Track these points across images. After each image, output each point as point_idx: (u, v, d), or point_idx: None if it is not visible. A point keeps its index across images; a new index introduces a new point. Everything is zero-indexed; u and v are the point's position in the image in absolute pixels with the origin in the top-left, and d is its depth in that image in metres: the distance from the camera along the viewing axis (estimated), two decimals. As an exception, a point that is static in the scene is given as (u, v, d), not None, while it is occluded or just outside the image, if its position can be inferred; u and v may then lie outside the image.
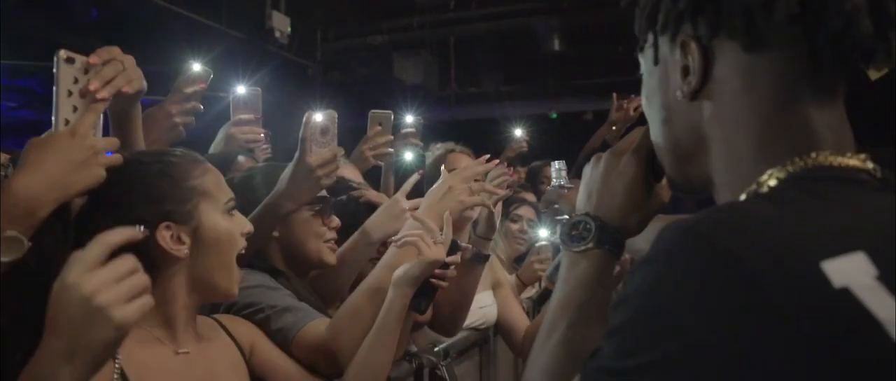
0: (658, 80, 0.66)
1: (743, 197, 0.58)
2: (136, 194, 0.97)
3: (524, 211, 2.70)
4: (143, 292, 0.73)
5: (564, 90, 6.49)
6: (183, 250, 0.98)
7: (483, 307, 2.03)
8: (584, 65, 6.09)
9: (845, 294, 0.46)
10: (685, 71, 0.62)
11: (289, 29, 5.34)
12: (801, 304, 0.46)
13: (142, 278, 0.73)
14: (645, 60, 0.68)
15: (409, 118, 2.24)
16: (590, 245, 0.70)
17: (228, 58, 4.16)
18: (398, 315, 1.24)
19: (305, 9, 5.69)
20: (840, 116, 0.60)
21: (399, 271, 1.26)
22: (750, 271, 0.47)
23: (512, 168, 1.97)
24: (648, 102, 0.69)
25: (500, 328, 2.10)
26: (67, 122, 0.91)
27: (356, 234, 1.47)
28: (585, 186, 0.75)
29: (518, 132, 3.63)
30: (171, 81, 1.47)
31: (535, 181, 3.56)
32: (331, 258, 1.41)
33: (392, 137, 2.00)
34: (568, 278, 0.71)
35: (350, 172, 1.76)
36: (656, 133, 0.68)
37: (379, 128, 1.97)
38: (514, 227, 2.68)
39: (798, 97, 0.58)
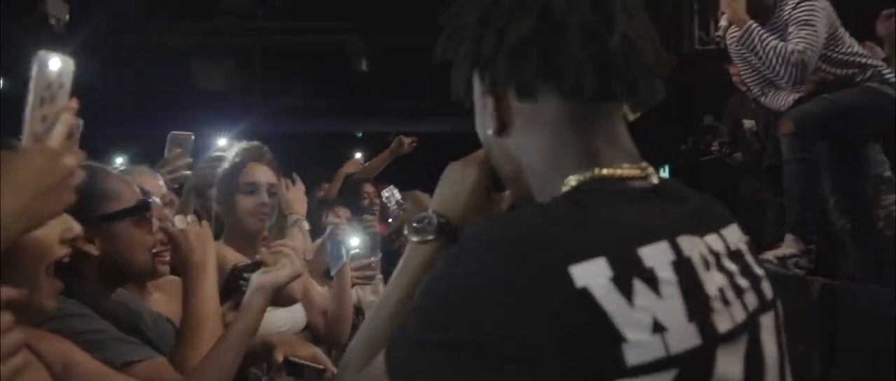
0: (478, 115, 0.76)
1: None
2: None
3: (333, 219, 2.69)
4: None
5: (370, 110, 6.58)
6: None
7: (292, 315, 1.99)
8: (391, 86, 6.24)
9: (584, 293, 0.56)
10: (491, 112, 0.73)
11: (67, 16, 4.77)
12: (550, 303, 0.56)
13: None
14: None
15: (222, 141, 2.18)
16: (429, 238, 0.78)
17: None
18: (255, 318, 1.20)
19: (92, -1, 5.15)
20: (615, 133, 0.71)
21: (265, 277, 1.23)
22: (519, 274, 0.58)
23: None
24: (477, 123, 0.78)
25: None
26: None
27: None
28: (438, 187, 0.84)
29: (357, 155, 3.72)
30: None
31: (354, 196, 3.56)
32: (165, 270, 1.28)
33: (191, 160, 1.92)
34: (406, 265, 0.79)
35: (150, 182, 1.63)
36: (491, 152, 0.78)
37: (179, 150, 1.89)
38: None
39: (572, 127, 0.69)
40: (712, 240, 0.66)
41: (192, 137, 1.90)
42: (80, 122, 0.82)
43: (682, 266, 0.60)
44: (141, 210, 1.22)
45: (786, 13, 2.54)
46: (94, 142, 1.26)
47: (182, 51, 5.85)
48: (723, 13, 2.67)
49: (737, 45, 2.62)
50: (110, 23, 5.62)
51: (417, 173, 2.69)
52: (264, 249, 1.32)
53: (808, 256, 2.72)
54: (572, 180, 0.67)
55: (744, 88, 3.77)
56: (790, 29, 2.49)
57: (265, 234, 1.81)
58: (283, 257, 1.29)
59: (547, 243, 0.59)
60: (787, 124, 2.65)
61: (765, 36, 2.49)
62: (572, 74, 0.66)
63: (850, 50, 2.60)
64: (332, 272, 1.90)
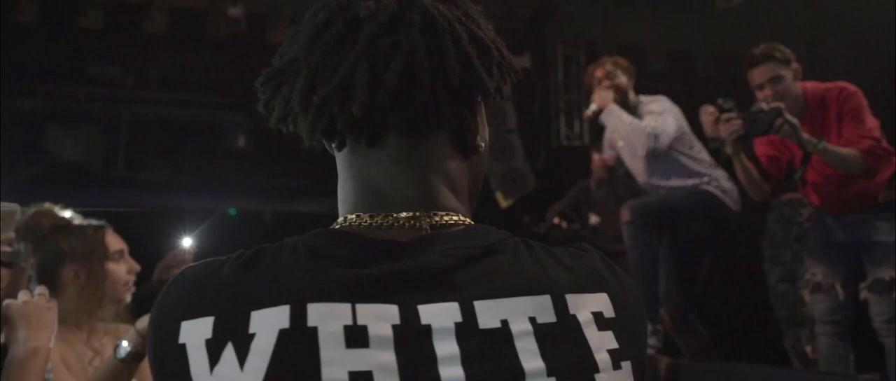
0: None
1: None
2: None
3: None
4: None
5: (245, 188, 6.38)
6: None
7: None
8: (267, 164, 6.11)
9: (182, 350, 0.55)
10: None
11: None
12: (157, 353, 0.58)
13: None
14: None
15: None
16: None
17: None
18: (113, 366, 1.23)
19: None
20: (377, 180, 0.64)
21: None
22: (153, 320, 0.60)
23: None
24: None
25: None
26: None
27: None
28: None
29: (187, 243, 3.42)
30: None
31: None
32: None
33: (13, 235, 1.74)
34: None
35: None
36: None
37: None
38: None
39: (352, 172, 0.67)
40: (429, 310, 0.54)
41: (18, 211, 1.70)
42: None
43: (293, 338, 0.52)
44: None
45: (642, 109, 2.95)
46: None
47: (35, 115, 5.42)
48: (593, 102, 3.04)
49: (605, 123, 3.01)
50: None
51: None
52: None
53: (656, 336, 2.92)
54: (336, 224, 0.66)
55: (605, 175, 4.13)
56: (646, 116, 2.89)
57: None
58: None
59: (172, 295, 0.60)
60: (625, 213, 2.98)
61: (623, 115, 2.89)
62: (309, 136, 0.65)
63: (699, 154, 2.97)
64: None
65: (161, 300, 0.61)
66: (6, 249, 1.68)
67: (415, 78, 0.60)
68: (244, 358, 0.52)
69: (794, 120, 2.36)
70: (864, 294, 2.51)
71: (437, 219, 0.63)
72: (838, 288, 2.56)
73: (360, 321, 0.53)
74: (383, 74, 0.60)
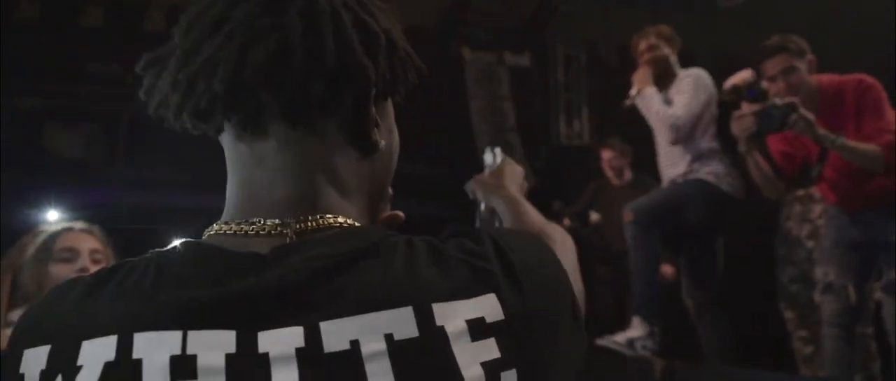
0: None
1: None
2: None
3: None
4: None
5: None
6: None
7: None
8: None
9: (21, 378, 0.53)
10: None
11: None
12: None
13: None
14: None
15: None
16: None
17: None
18: None
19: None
20: (254, 178, 0.62)
21: None
22: (8, 349, 0.57)
23: None
24: None
25: None
26: None
27: None
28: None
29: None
30: None
31: None
32: None
33: None
34: None
35: None
36: None
37: None
38: None
39: (231, 167, 0.66)
40: (269, 336, 0.50)
41: None
42: None
43: (117, 371, 0.50)
44: None
45: (674, 87, 2.96)
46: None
47: (34, 114, 5.41)
48: (634, 83, 3.07)
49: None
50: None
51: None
52: None
53: (653, 338, 2.92)
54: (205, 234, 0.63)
55: (611, 174, 4.12)
56: (675, 98, 2.89)
57: None
58: None
59: (25, 319, 0.59)
60: (628, 214, 2.97)
61: (653, 102, 2.89)
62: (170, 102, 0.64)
63: (703, 142, 2.97)
64: None
65: (17, 323, 0.59)
66: None
67: (287, 58, 0.58)
68: None
69: (810, 115, 2.26)
70: (878, 295, 2.46)
71: (311, 223, 0.58)
72: (850, 289, 2.49)
73: (189, 351, 0.49)
74: (254, 52, 0.58)
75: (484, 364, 0.51)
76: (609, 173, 4.21)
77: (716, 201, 2.93)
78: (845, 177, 2.42)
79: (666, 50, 3.03)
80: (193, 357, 0.49)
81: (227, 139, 0.65)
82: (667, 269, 3.58)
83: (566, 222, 4.41)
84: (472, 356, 0.51)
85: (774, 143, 2.60)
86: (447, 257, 0.56)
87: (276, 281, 0.52)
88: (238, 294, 0.52)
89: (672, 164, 3.04)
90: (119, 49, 5.49)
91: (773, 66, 2.41)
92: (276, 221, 0.58)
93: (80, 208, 1.99)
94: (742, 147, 2.44)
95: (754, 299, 3.72)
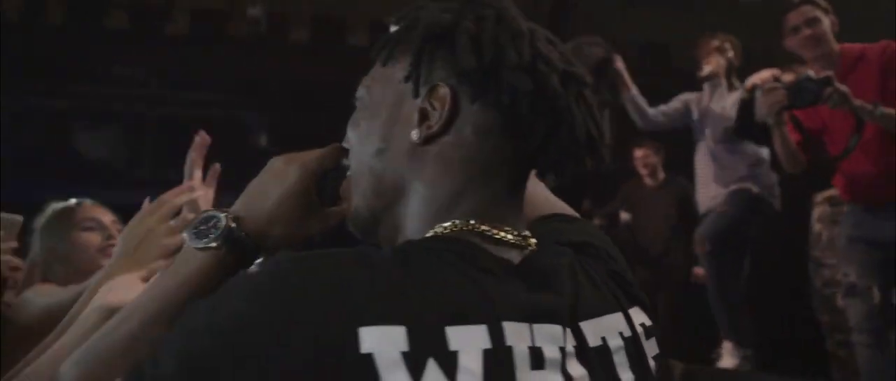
0: (389, 107, 0.63)
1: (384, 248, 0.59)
2: None
3: None
4: None
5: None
6: None
7: None
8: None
9: (367, 360, 0.48)
10: (423, 114, 0.61)
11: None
12: (326, 360, 0.48)
13: None
14: (376, 80, 0.66)
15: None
16: (211, 244, 0.62)
17: None
18: (86, 337, 1.08)
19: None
20: (517, 189, 0.64)
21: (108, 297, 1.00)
22: (299, 321, 0.49)
23: None
24: (363, 126, 0.65)
25: None
26: None
27: None
28: (249, 186, 0.69)
29: None
30: None
31: None
32: None
33: (16, 244, 1.78)
34: (176, 272, 0.63)
35: None
36: (362, 161, 0.65)
37: (1, 234, 1.75)
38: None
39: (485, 167, 0.61)
40: (570, 333, 0.57)
41: (20, 223, 1.72)
42: None
43: (496, 358, 0.51)
44: None
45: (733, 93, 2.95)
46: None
47: (61, 116, 5.53)
48: (707, 64, 3.11)
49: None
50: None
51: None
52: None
53: (748, 361, 2.87)
54: (438, 229, 0.59)
55: (644, 172, 4.09)
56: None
57: None
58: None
59: (345, 296, 0.50)
60: (703, 245, 2.97)
61: (725, 92, 3.00)
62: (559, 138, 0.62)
63: (749, 150, 2.97)
64: None
65: (302, 293, 0.50)
66: (6, 258, 1.72)
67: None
68: (453, 375, 0.49)
69: (845, 88, 2.10)
70: None
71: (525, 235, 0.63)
72: (874, 291, 2.35)
73: (536, 343, 0.54)
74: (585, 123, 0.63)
75: (654, 358, 0.65)
76: (642, 172, 4.18)
77: (768, 213, 2.96)
78: (867, 166, 2.26)
79: (731, 53, 3.09)
80: (540, 349, 0.54)
81: (499, 137, 0.61)
82: (698, 271, 3.56)
83: (596, 221, 4.38)
84: (649, 351, 0.65)
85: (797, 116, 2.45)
86: (605, 274, 0.68)
87: (558, 287, 0.59)
88: (546, 296, 0.57)
89: (725, 167, 3.03)
90: (143, 51, 5.59)
91: (797, 15, 2.29)
92: (525, 233, 0.63)
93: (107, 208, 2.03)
94: (770, 120, 2.24)
95: (786, 302, 3.67)
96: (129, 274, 1.00)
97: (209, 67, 5.72)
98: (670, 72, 5.34)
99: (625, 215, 4.27)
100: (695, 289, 3.63)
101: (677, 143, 3.52)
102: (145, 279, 0.98)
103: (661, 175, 4.15)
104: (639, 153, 4.16)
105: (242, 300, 0.50)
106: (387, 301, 0.50)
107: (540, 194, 0.81)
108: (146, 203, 1.15)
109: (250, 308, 0.49)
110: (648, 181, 4.20)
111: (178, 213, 1.11)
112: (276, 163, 0.68)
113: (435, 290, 0.52)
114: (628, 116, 3.22)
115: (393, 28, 0.65)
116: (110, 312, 0.99)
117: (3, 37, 4.97)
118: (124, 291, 0.98)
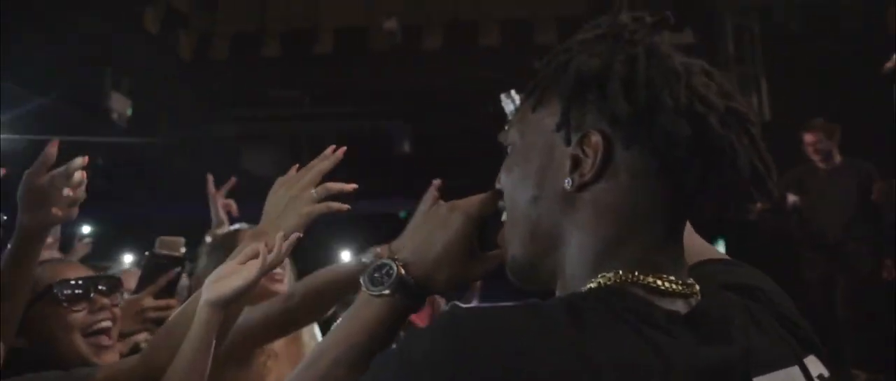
0: (541, 153, 0.63)
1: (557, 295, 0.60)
2: None
3: None
4: None
5: (413, 191, 6.65)
6: None
7: None
8: (433, 167, 6.33)
9: None
10: (575, 161, 0.60)
11: (129, 111, 5.06)
12: None
13: None
14: (527, 125, 0.66)
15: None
16: (385, 291, 0.66)
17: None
18: (205, 335, 1.10)
19: (147, 90, 5.46)
20: (677, 235, 0.62)
21: (214, 290, 1.09)
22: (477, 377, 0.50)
23: None
24: (516, 172, 0.65)
25: None
26: None
27: None
28: (409, 229, 0.73)
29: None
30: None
31: None
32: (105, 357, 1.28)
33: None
34: (355, 317, 0.68)
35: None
36: (517, 207, 0.65)
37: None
38: None
39: (647, 213, 0.60)
40: None
41: (183, 243, 1.85)
42: None
43: None
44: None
45: None
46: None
47: (230, 138, 6.10)
48: None
49: None
50: (167, 116, 5.94)
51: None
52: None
53: None
54: (601, 279, 0.58)
55: (817, 157, 3.74)
56: None
57: None
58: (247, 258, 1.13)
59: (518, 356, 0.50)
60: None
61: None
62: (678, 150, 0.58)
63: None
64: None
65: (472, 362, 0.50)
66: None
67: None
68: None
69: None
70: None
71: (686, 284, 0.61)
72: None
73: None
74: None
75: None
76: (814, 158, 3.82)
77: None
78: None
79: None
80: None
81: (657, 180, 0.60)
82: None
83: (758, 206, 4.05)
84: None
85: None
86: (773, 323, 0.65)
87: (727, 339, 0.58)
88: (717, 350, 0.56)
89: None
90: (295, 74, 6.04)
91: None
92: (689, 280, 0.60)
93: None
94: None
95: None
96: (230, 263, 1.12)
97: (352, 80, 6.05)
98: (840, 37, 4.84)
99: (793, 198, 3.89)
100: (881, 284, 3.25)
101: (855, 125, 3.16)
102: (270, 247, 1.12)
103: (838, 158, 3.77)
104: (809, 138, 3.81)
105: (430, 355, 0.52)
106: (557, 362, 0.50)
107: (694, 239, 0.79)
108: (293, 170, 1.26)
109: (440, 363, 0.51)
110: (822, 166, 3.84)
111: (320, 182, 1.29)
112: (440, 210, 0.70)
113: (605, 349, 0.52)
114: None
115: (541, 71, 0.65)
116: (216, 307, 1.08)
117: (179, 74, 5.59)
118: (225, 282, 1.10)
